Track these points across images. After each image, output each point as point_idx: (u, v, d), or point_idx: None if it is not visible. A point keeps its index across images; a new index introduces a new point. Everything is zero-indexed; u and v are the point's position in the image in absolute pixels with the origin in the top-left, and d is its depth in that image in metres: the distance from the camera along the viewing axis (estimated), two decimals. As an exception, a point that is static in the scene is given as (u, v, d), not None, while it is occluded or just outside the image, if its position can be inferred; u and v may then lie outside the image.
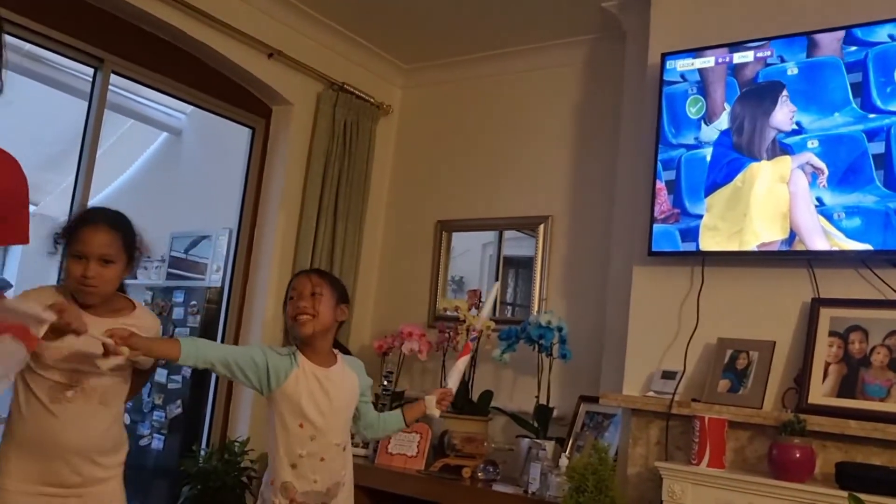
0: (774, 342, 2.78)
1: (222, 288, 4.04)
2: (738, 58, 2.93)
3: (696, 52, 3.03)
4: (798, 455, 2.49)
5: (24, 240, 1.69)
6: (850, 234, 2.66)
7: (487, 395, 3.61)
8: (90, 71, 3.51)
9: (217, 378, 3.90)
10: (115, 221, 2.08)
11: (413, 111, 4.54)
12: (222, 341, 3.92)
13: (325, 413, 2.22)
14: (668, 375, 2.95)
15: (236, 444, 3.64)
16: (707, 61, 3.00)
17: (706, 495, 2.60)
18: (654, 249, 3.03)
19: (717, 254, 2.92)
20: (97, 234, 2.01)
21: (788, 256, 2.79)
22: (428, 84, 4.49)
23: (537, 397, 3.46)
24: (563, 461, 3.03)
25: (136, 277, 4.80)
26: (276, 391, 2.19)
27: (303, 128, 4.05)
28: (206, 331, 4.12)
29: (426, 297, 4.17)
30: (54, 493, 1.98)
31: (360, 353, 4.15)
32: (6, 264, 5.88)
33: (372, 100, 4.28)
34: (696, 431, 2.66)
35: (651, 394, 2.95)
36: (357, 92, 4.19)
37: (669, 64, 3.07)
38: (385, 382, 3.79)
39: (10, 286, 5.30)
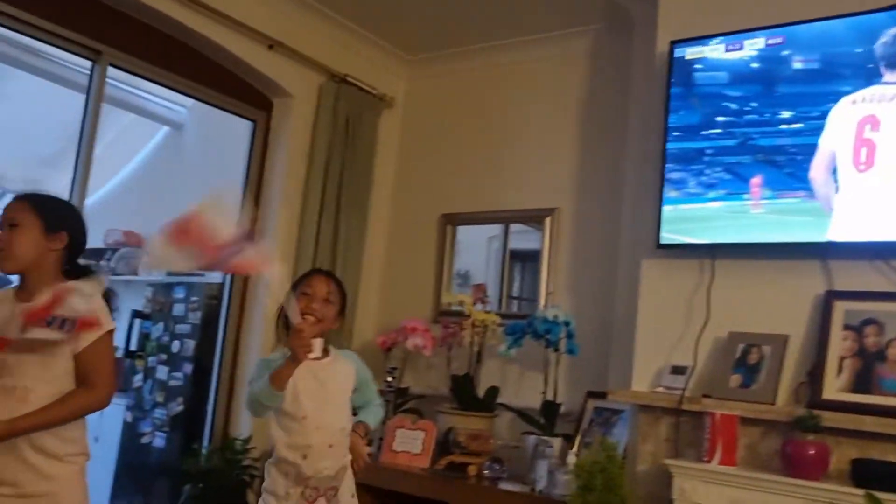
0: (787, 336, 2.71)
1: (223, 284, 3.99)
2: (749, 45, 2.86)
3: (705, 39, 2.96)
4: (812, 452, 2.42)
5: None
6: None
7: (493, 391, 3.56)
8: (88, 64, 3.46)
9: (219, 376, 3.85)
10: (24, 193, 2.17)
11: (417, 103, 4.47)
12: (223, 337, 3.87)
13: (323, 402, 2.33)
14: (677, 371, 2.88)
15: (238, 441, 3.59)
16: (716, 49, 2.93)
17: (717, 493, 2.53)
18: (662, 242, 2.96)
19: (728, 246, 2.85)
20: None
21: (801, 248, 2.72)
22: (432, 76, 4.42)
23: (544, 393, 3.40)
24: (571, 458, 2.97)
25: (136, 274, 4.79)
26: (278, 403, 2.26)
27: (304, 120, 3.99)
28: (207, 327, 4.07)
29: (430, 292, 4.11)
30: None
31: (364, 349, 4.11)
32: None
33: (374, 92, 4.21)
34: (706, 428, 2.59)
35: (660, 389, 2.88)
36: (359, 84, 4.12)
37: (678, 52, 2.99)
38: (389, 378, 3.73)
39: (10, 283, 5.26)
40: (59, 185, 5.55)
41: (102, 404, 2.12)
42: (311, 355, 2.22)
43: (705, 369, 2.86)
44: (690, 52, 2.98)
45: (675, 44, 3.02)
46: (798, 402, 2.64)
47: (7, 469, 2.00)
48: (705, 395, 2.77)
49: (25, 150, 5.41)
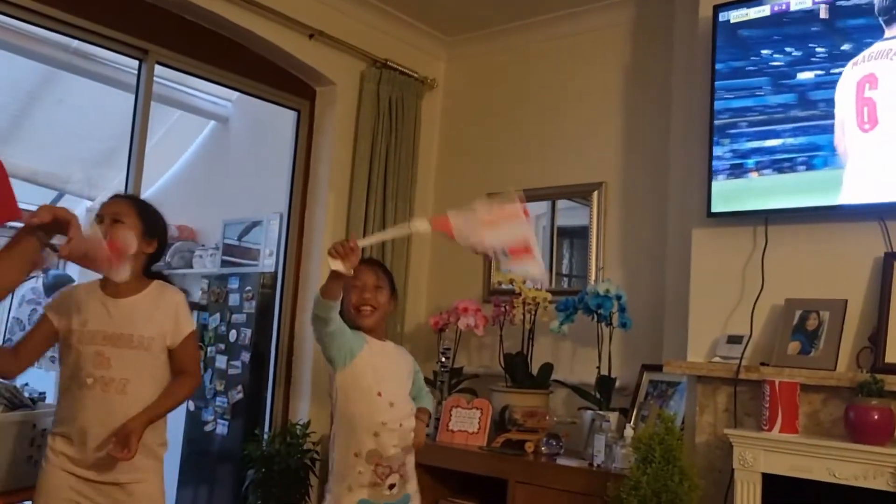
0: (846, 300, 2.66)
1: (276, 273, 4.05)
2: (796, 4, 2.79)
3: (750, 1, 2.89)
4: (876, 417, 2.38)
5: (16, 215, 1.72)
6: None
7: (547, 368, 3.55)
8: (135, 63, 3.53)
9: (276, 362, 3.93)
10: (128, 195, 2.51)
11: (458, 84, 4.47)
12: (278, 326, 3.94)
13: (396, 381, 2.47)
14: (733, 340, 2.85)
15: (298, 426, 3.66)
16: (763, 10, 2.86)
17: (780, 462, 2.51)
18: (713, 210, 2.92)
19: (781, 211, 2.80)
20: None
21: (858, 210, 2.66)
22: (471, 55, 4.41)
23: (598, 368, 3.39)
24: (628, 432, 2.96)
25: (191, 266, 4.89)
26: (349, 365, 2.36)
27: (348, 107, 4.02)
28: (262, 316, 4.14)
29: (480, 272, 4.11)
30: None
31: (416, 331, 4.15)
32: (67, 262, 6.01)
33: (416, 75, 4.22)
34: (766, 396, 2.56)
35: (717, 360, 2.86)
36: (400, 68, 4.13)
37: (723, 15, 2.94)
38: (443, 359, 3.76)
39: (73, 280, 5.42)
40: (113, 184, 5.72)
41: (196, 389, 2.40)
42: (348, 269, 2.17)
43: (762, 338, 2.83)
44: (735, 16, 2.92)
45: (718, 7, 2.96)
46: (860, 366, 2.59)
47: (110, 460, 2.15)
48: (763, 364, 2.74)
49: (80, 151, 5.56)
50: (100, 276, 2.24)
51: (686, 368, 2.93)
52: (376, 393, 2.38)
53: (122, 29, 3.33)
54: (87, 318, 2.23)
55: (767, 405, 2.55)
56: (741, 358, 2.75)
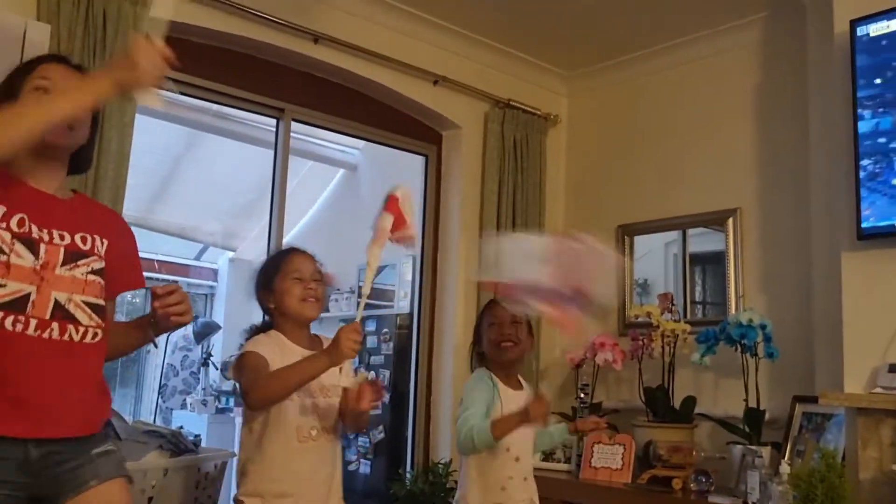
0: None
1: (411, 314, 4.15)
2: (942, 12, 2.65)
3: (890, 13, 2.76)
4: None
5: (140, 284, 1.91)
6: None
7: (690, 401, 3.45)
8: (271, 122, 3.74)
9: (415, 402, 4.00)
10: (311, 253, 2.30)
11: (581, 118, 4.47)
12: (416, 367, 4.02)
13: (525, 435, 2.40)
14: (895, 369, 2.68)
15: (440, 465, 3.70)
16: (905, 21, 2.73)
17: (959, 499, 2.33)
18: (864, 232, 2.78)
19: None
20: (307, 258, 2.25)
21: None
22: (593, 88, 4.41)
23: (745, 400, 3.26)
24: (784, 468, 2.83)
25: (328, 310, 5.07)
26: None
27: (474, 149, 4.09)
28: (400, 357, 4.24)
29: (614, 305, 4.06)
30: None
31: (552, 367, 4.14)
32: (214, 308, 6.38)
33: (539, 112, 4.25)
34: (938, 429, 2.39)
35: (878, 390, 2.69)
36: (523, 106, 4.18)
37: (861, 30, 2.82)
38: (581, 395, 3.72)
39: (220, 327, 5.74)
40: (252, 235, 6.04)
41: None
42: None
43: (928, 365, 2.65)
44: (875, 29, 2.80)
45: (855, 22, 2.85)
46: None
47: None
48: (931, 394, 2.56)
49: (221, 206, 5.92)
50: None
51: (845, 400, 2.78)
52: (505, 448, 2.36)
53: (259, 91, 3.54)
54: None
55: (940, 438, 2.38)
56: (906, 388, 2.59)
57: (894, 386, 2.64)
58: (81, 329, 1.67)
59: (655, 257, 4.14)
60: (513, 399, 2.41)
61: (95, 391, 1.75)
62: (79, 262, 1.69)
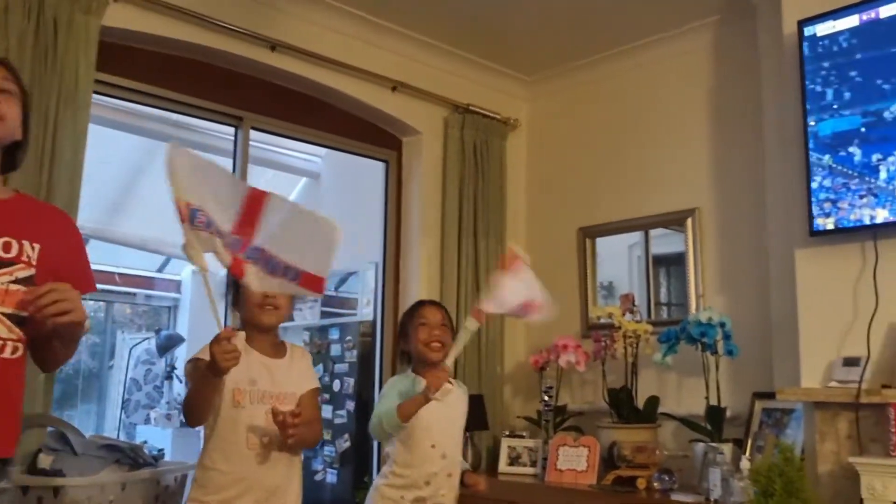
0: (971, 314, 2.52)
1: (374, 321, 4.13)
2: (886, 11, 2.71)
3: (836, 13, 2.82)
4: None
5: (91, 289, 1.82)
6: None
7: (653, 401, 3.48)
8: (230, 130, 3.71)
9: (380, 409, 3.97)
10: None
11: (541, 122, 4.50)
12: (380, 373, 4.00)
13: (450, 432, 2.50)
14: (850, 362, 2.72)
15: (406, 472, 3.68)
16: (851, 21, 2.79)
17: (913, 489, 2.37)
18: (816, 229, 2.82)
19: (890, 224, 2.68)
20: None
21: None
22: (553, 93, 4.44)
23: (707, 398, 3.29)
24: (745, 464, 2.86)
25: (292, 319, 5.03)
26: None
27: (434, 154, 4.10)
28: (363, 364, 4.22)
29: (577, 307, 4.08)
30: None
31: (517, 371, 4.14)
32: (178, 320, 6.30)
33: (498, 117, 4.27)
34: (891, 420, 2.44)
35: (834, 384, 2.73)
36: (483, 111, 4.20)
37: (808, 30, 2.87)
38: (546, 398, 3.73)
39: (183, 340, 5.67)
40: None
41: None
42: (440, 395, 2.33)
43: (881, 358, 2.69)
44: (822, 29, 2.85)
45: (803, 23, 2.90)
46: None
47: None
48: (885, 386, 2.60)
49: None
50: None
51: (802, 395, 2.82)
52: (430, 445, 2.42)
53: (217, 99, 3.51)
54: (254, 377, 2.15)
55: (894, 429, 2.43)
56: (860, 381, 2.63)
57: (849, 379, 2.68)
58: None
59: (619, 259, 4.17)
60: (434, 404, 2.38)
61: (13, 411, 1.65)
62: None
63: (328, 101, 3.88)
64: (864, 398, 2.59)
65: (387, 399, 2.39)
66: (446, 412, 2.48)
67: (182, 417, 2.12)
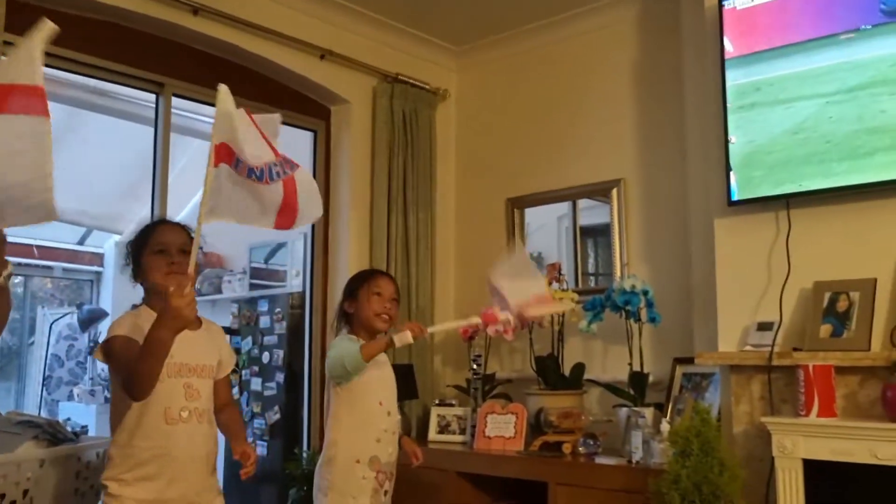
0: (875, 279, 2.63)
1: (304, 292, 4.10)
2: (801, -14, 2.78)
3: (754, -13, 2.89)
4: (915, 394, 2.36)
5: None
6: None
7: (579, 368, 3.55)
8: (153, 97, 3.60)
9: (310, 381, 3.96)
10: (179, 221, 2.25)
11: (471, 92, 4.49)
12: (310, 346, 3.98)
13: (391, 391, 2.61)
14: (764, 327, 2.83)
15: (336, 442, 3.68)
16: (768, -5, 2.86)
17: (820, 446, 2.49)
18: (733, 199, 2.91)
19: (803, 195, 2.78)
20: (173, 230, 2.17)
21: (880, 187, 2.63)
22: (482, 63, 4.44)
23: (630, 364, 3.38)
24: (665, 427, 2.95)
25: (220, 292, 4.96)
26: (356, 379, 2.48)
27: (363, 124, 4.06)
28: (293, 336, 4.19)
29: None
30: None
31: (446, 340, 4.17)
32: (101, 294, 6.13)
33: (427, 87, 4.25)
34: (801, 381, 2.55)
35: (748, 348, 2.84)
36: (412, 81, 4.17)
37: (728, 3, 2.93)
38: (475, 366, 3.77)
39: (107, 314, 5.52)
40: (140, 217, 5.81)
41: None
42: (399, 342, 2.43)
43: (793, 323, 2.80)
44: (741, 2, 2.92)
45: (722, -4, 2.96)
46: (894, 344, 2.56)
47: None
48: (795, 349, 2.72)
49: (106, 187, 5.67)
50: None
51: (718, 359, 2.92)
52: (378, 402, 2.53)
53: (137, 65, 3.40)
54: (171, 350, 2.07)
55: (803, 390, 2.54)
56: (773, 345, 2.74)
57: (763, 343, 2.79)
58: None
59: (549, 230, 4.22)
60: (374, 364, 2.51)
61: None
62: None
63: (254, 68, 3.80)
64: (775, 361, 2.70)
65: (343, 343, 2.50)
66: (384, 372, 2.62)
67: (123, 392, 1.99)
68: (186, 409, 2.08)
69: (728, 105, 2.93)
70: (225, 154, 1.80)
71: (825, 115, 2.72)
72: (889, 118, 2.60)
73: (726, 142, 2.93)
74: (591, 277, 4.06)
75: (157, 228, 2.18)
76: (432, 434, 3.77)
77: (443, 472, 3.43)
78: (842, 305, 2.66)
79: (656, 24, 3.74)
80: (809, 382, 2.52)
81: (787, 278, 2.81)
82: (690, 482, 2.54)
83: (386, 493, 2.57)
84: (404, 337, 2.40)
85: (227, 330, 4.64)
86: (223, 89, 1.82)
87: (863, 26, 2.66)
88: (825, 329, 2.67)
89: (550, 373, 3.58)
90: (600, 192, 3.88)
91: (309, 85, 3.95)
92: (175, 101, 3.59)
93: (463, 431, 3.70)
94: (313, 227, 4.06)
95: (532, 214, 4.18)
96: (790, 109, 2.80)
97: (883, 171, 2.61)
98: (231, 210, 1.85)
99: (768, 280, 2.87)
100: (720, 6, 2.97)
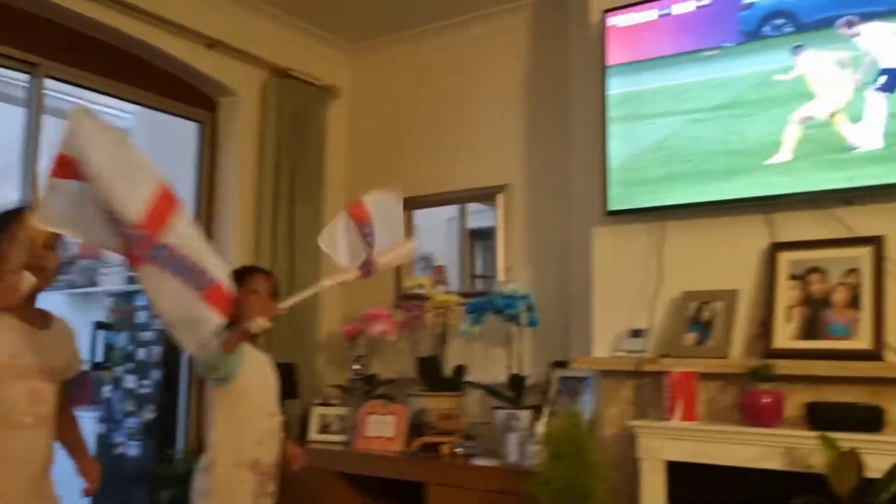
0: (736, 290, 2.78)
1: (183, 288, 3.97)
2: (678, 9, 2.91)
3: (636, 5, 3.00)
4: (768, 400, 2.50)
5: None
6: (802, 176, 2.66)
7: (460, 370, 3.59)
8: (26, 77, 3.41)
9: (189, 380, 3.85)
10: None
11: (363, 91, 4.47)
12: (189, 341, 3.85)
13: (271, 392, 2.55)
14: (636, 334, 2.94)
15: (212, 443, 3.59)
16: (650, 14, 2.97)
17: (682, 449, 2.61)
18: (610, 209, 3.01)
19: (674, 207, 2.90)
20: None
21: (743, 203, 2.78)
22: (375, 63, 4.42)
23: (509, 367, 3.44)
24: (539, 429, 3.02)
25: (95, 284, 4.74)
26: (235, 379, 2.38)
27: (251, 117, 3.97)
28: (172, 332, 4.05)
29: (390, 279, 4.11)
30: None
31: (330, 340, 4.13)
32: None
33: (319, 83, 4.20)
34: (666, 386, 2.66)
35: (621, 354, 2.94)
36: (303, 77, 4.11)
37: (611, 21, 3.03)
38: (357, 366, 3.75)
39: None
40: (5, 201, 5.48)
41: None
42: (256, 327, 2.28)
43: (663, 330, 2.93)
44: (623, 21, 3.02)
45: (607, 12, 3.06)
46: (752, 353, 2.71)
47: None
48: (664, 356, 2.83)
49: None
50: None
51: (591, 363, 3.02)
52: (259, 403, 2.47)
53: (9, 43, 3.21)
54: (15, 350, 1.95)
55: (668, 395, 2.65)
56: (643, 351, 2.85)
57: (635, 349, 2.90)
58: None
59: (438, 233, 4.24)
60: (253, 362, 2.48)
61: None
62: None
63: (137, 53, 3.65)
64: (645, 367, 2.81)
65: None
66: (266, 372, 2.57)
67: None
68: (29, 414, 1.95)
69: (609, 115, 3.02)
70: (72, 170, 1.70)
71: (687, 133, 2.86)
72: (747, 142, 2.75)
73: (604, 154, 3.03)
74: (479, 280, 4.11)
75: (21, 216, 2.05)
76: (313, 434, 3.73)
77: (322, 472, 3.40)
78: (706, 315, 2.80)
79: (545, 34, 3.82)
80: (674, 388, 2.64)
81: (658, 287, 2.93)
82: (561, 483, 2.61)
83: (268, 494, 2.50)
84: (259, 322, 2.24)
85: (101, 325, 4.45)
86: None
87: (724, 44, 2.81)
88: (690, 337, 2.80)
89: (432, 374, 3.60)
90: (487, 196, 3.94)
91: (195, 74, 3.82)
92: (51, 83, 3.41)
93: (344, 431, 3.68)
94: (196, 219, 3.94)
95: (422, 216, 4.20)
96: (652, 125, 2.93)
97: (743, 190, 2.76)
98: (74, 226, 1.78)
99: (642, 288, 2.99)
100: (603, 20, 3.06)
